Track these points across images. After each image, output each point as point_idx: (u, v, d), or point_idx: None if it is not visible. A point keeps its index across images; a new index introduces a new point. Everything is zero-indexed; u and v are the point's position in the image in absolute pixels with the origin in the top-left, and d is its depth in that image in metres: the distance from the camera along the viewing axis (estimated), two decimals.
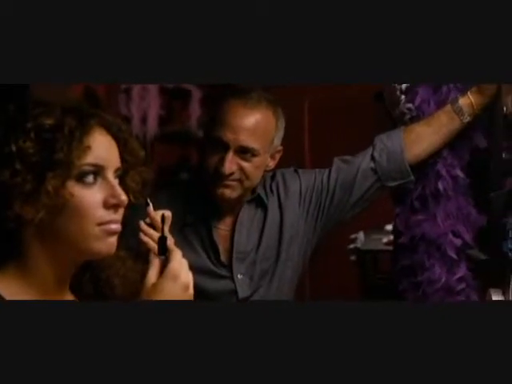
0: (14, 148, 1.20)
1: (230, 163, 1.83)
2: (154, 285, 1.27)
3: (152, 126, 3.82)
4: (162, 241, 1.30)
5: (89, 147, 1.22)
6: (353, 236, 2.88)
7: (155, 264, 1.29)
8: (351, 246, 2.86)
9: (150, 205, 1.34)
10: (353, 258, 2.87)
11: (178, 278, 1.27)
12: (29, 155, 1.19)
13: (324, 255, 3.02)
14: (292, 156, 3.06)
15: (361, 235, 2.86)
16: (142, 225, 1.36)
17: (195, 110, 3.85)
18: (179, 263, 1.28)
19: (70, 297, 1.31)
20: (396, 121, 2.00)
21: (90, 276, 1.33)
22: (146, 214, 1.35)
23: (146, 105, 3.81)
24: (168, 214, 1.34)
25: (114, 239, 1.26)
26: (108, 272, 1.33)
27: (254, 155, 1.85)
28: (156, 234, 1.32)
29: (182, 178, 3.71)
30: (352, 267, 2.88)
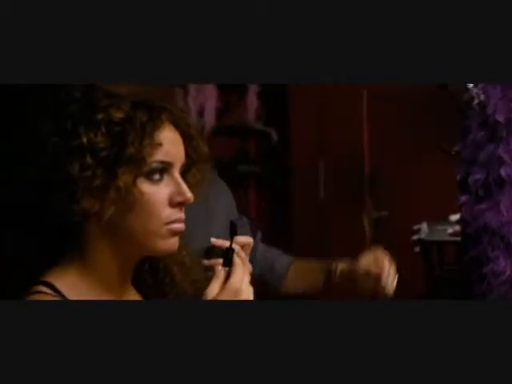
0: (84, 140, 1.18)
1: None
2: (215, 298, 1.22)
3: (209, 119, 3.82)
4: (228, 252, 1.26)
5: (160, 144, 1.21)
6: (416, 227, 2.83)
7: (220, 276, 1.24)
8: (415, 237, 2.82)
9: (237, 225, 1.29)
10: (417, 249, 2.82)
11: (239, 294, 1.22)
12: (99, 149, 1.18)
13: (386, 247, 2.99)
14: (351, 145, 3.03)
15: (424, 226, 2.81)
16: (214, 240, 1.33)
17: (252, 102, 3.84)
18: (242, 278, 1.23)
19: (132, 291, 1.30)
20: (462, 107, 1.95)
21: (148, 266, 1.32)
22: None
23: (202, 98, 3.81)
24: (249, 240, 1.30)
25: (177, 238, 1.25)
26: (166, 260, 1.32)
27: None
28: (226, 243, 1.28)
29: (241, 170, 3.71)
30: (416, 259, 2.84)
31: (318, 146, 3.34)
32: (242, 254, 1.26)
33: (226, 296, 1.22)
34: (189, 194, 1.23)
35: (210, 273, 1.29)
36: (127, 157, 1.18)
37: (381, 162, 3.24)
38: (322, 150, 3.31)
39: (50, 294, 1.20)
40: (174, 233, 1.24)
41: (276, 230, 3.40)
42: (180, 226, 1.24)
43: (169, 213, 1.22)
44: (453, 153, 2.04)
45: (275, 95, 3.63)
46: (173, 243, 1.24)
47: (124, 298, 1.28)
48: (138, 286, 1.32)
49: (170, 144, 1.23)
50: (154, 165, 1.21)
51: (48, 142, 1.20)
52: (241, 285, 1.22)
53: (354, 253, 3.19)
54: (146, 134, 1.19)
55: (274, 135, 3.63)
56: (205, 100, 3.81)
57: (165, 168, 1.22)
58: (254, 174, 3.64)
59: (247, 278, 1.24)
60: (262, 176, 3.63)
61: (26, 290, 1.21)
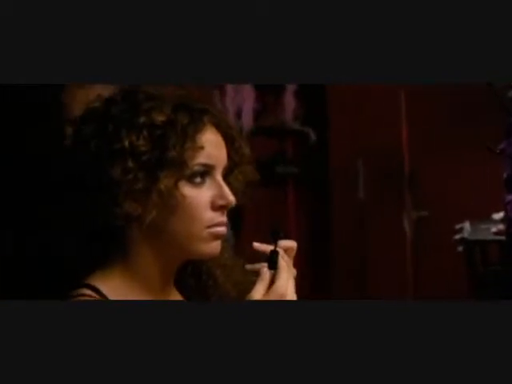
0: (126, 144, 1.18)
1: None
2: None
3: (247, 120, 3.82)
4: (273, 255, 1.24)
5: (202, 147, 1.20)
6: (458, 226, 2.80)
7: (265, 278, 1.22)
8: (457, 236, 2.78)
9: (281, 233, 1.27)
10: (460, 249, 2.79)
11: (284, 298, 1.21)
12: (141, 153, 1.18)
13: (428, 246, 2.96)
14: (390, 144, 3.01)
15: (466, 225, 2.78)
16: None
17: (290, 103, 3.83)
18: (287, 282, 1.22)
19: (174, 294, 1.30)
20: (506, 105, 1.93)
21: (191, 269, 1.31)
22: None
23: (240, 99, 3.81)
24: (293, 244, 1.29)
25: (219, 242, 1.24)
26: (208, 263, 1.31)
27: None
28: (269, 248, 1.26)
29: (279, 171, 3.70)
30: (459, 259, 2.80)
31: (357, 146, 3.32)
32: (286, 257, 1.25)
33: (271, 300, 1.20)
34: (231, 197, 1.22)
35: (253, 277, 1.28)
36: (169, 160, 1.18)
37: (420, 160, 3.21)
38: (361, 149, 3.29)
39: (94, 297, 1.21)
40: (216, 236, 1.23)
41: (315, 230, 3.39)
42: (222, 229, 1.23)
43: (211, 216, 1.22)
44: (497, 151, 2.01)
45: (313, 95, 3.61)
46: (215, 247, 1.24)
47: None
48: (180, 289, 1.32)
49: (211, 146, 1.22)
50: (196, 168, 1.21)
51: (90, 144, 1.20)
52: (286, 289, 1.21)
53: (393, 253, 3.17)
54: (188, 137, 1.19)
55: (312, 135, 3.62)
56: (242, 101, 3.81)
57: (207, 171, 1.22)
58: (292, 174, 3.63)
59: (292, 283, 1.23)
60: (301, 177, 3.62)
61: (69, 293, 1.22)
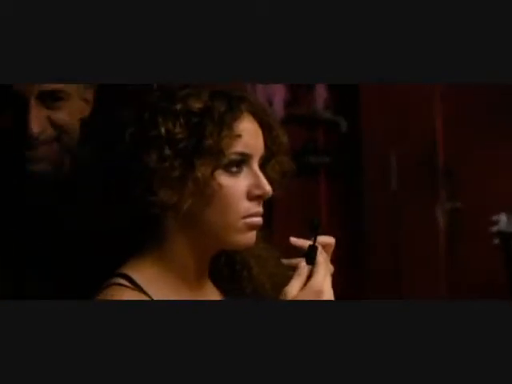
0: (163, 131, 1.16)
1: None
2: (295, 296, 1.18)
3: (277, 109, 3.80)
4: (311, 249, 1.21)
5: (239, 136, 1.18)
6: (495, 218, 2.75)
7: (302, 273, 1.19)
8: (494, 228, 2.73)
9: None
10: (496, 241, 2.74)
11: (321, 295, 1.18)
12: (178, 140, 1.16)
13: (463, 238, 2.92)
14: (424, 134, 2.96)
15: (503, 217, 2.73)
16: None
17: (321, 92, 3.80)
18: (324, 278, 1.19)
19: (208, 284, 1.29)
20: None
21: (225, 259, 1.30)
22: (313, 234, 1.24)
23: (270, 88, 3.79)
24: (331, 240, 1.27)
25: (254, 232, 1.22)
26: (243, 253, 1.29)
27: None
28: (306, 243, 1.23)
29: (311, 161, 3.67)
30: (495, 251, 2.76)
31: (390, 135, 3.28)
32: (324, 253, 1.22)
33: (307, 296, 1.18)
34: (268, 187, 1.21)
35: (288, 269, 1.26)
36: (206, 148, 1.17)
37: (455, 150, 3.17)
38: (394, 139, 3.25)
39: (127, 286, 1.20)
40: (251, 227, 1.22)
41: (347, 221, 3.36)
42: (258, 219, 1.22)
43: (247, 206, 1.20)
44: None
45: (345, 85, 3.58)
46: (250, 237, 1.22)
47: (200, 291, 1.27)
48: (214, 278, 1.30)
49: (249, 135, 1.20)
50: (233, 157, 1.19)
51: (125, 131, 1.19)
52: (323, 285, 1.18)
53: (427, 245, 3.13)
54: (225, 125, 1.17)
55: (344, 124, 3.58)
56: (273, 91, 3.79)
57: (244, 160, 1.20)
58: (324, 164, 3.60)
59: (329, 279, 1.20)
60: (332, 166, 3.59)
61: (103, 282, 1.20)
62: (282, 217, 3.11)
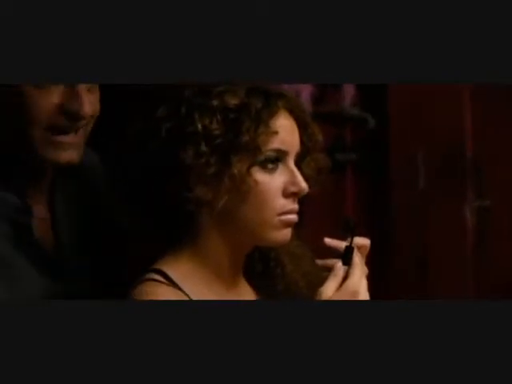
0: (199, 127, 1.17)
1: None
2: (331, 297, 1.18)
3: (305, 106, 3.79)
4: (348, 250, 1.21)
5: (276, 132, 1.18)
6: None
7: (338, 274, 1.19)
8: None
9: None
10: None
11: (357, 296, 1.18)
12: (214, 136, 1.17)
13: (492, 237, 2.89)
14: (452, 131, 2.94)
15: None
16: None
17: (349, 89, 3.78)
18: (360, 280, 1.19)
19: (242, 281, 1.29)
20: None
21: (259, 255, 1.30)
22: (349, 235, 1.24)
23: (298, 85, 3.78)
24: (367, 242, 1.26)
25: (289, 229, 1.23)
26: (277, 250, 1.29)
27: None
28: (342, 244, 1.24)
29: (338, 158, 3.66)
30: None
31: (418, 133, 3.26)
32: (359, 254, 1.22)
33: (343, 297, 1.18)
34: (303, 184, 1.21)
35: (321, 268, 1.26)
36: (242, 145, 1.17)
37: (483, 148, 3.14)
38: (422, 136, 3.23)
39: (162, 282, 1.20)
40: (286, 224, 1.22)
41: (374, 219, 3.35)
42: (293, 217, 1.22)
43: (282, 203, 1.20)
44: None
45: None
46: (285, 234, 1.22)
47: (234, 288, 1.27)
48: (247, 275, 1.30)
49: (285, 132, 1.20)
50: (269, 153, 1.19)
51: (161, 127, 1.19)
52: (359, 287, 1.18)
53: (455, 243, 3.10)
54: (262, 122, 1.18)
55: (371, 120, 3.57)
56: (300, 88, 3.78)
57: (280, 157, 1.20)
58: (352, 161, 3.58)
59: (365, 281, 1.20)
60: (360, 164, 3.57)
61: (138, 278, 1.21)
62: (308, 214, 3.11)
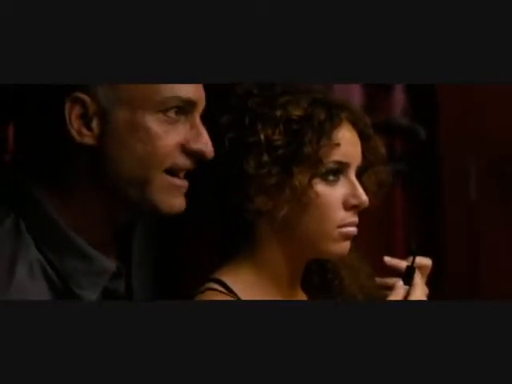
0: (262, 137, 1.17)
1: None
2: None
3: None
4: (409, 270, 1.22)
5: (338, 144, 1.18)
6: None
7: (399, 294, 1.20)
8: None
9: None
10: None
11: None
12: (276, 147, 1.17)
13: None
14: (505, 142, 2.89)
15: None
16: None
17: (400, 99, 3.76)
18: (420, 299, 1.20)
19: (299, 292, 1.28)
20: None
21: (316, 267, 1.30)
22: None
23: (347, 95, 3.76)
24: (429, 262, 1.26)
25: (348, 242, 1.22)
26: (334, 262, 1.29)
27: None
28: (402, 263, 1.25)
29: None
30: None
31: (469, 144, 3.22)
32: (420, 275, 1.23)
33: None
34: (364, 197, 1.20)
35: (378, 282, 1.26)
36: (304, 156, 1.17)
37: None
38: (474, 147, 3.20)
39: (221, 292, 1.20)
40: (346, 236, 1.21)
41: (423, 230, 3.32)
42: (353, 229, 1.22)
43: (342, 216, 1.20)
44: None
45: (423, 91, 3.53)
46: (344, 247, 1.22)
47: (292, 299, 1.26)
48: (305, 287, 1.30)
49: (347, 144, 1.20)
50: (331, 165, 1.19)
51: (225, 136, 1.19)
52: None
53: (507, 256, 3.06)
54: (324, 133, 1.17)
55: (422, 132, 3.54)
56: (350, 97, 3.76)
57: (341, 169, 1.20)
58: (401, 172, 3.56)
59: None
60: (410, 175, 3.55)
61: (198, 287, 1.21)
62: (358, 225, 3.08)
